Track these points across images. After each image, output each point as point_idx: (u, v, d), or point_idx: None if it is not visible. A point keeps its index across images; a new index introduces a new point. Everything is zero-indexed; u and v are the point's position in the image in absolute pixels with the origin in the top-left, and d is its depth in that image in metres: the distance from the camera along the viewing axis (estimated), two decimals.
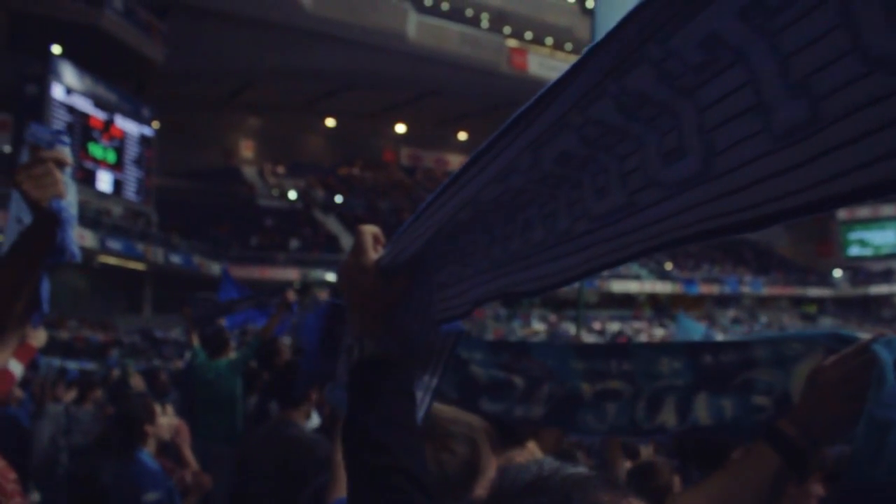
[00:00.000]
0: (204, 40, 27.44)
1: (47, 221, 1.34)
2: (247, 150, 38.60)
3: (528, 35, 35.74)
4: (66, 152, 1.36)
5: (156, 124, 27.35)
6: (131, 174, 25.79)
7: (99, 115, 24.30)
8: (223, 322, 6.98)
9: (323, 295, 6.70)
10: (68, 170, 1.36)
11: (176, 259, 26.06)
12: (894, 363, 1.24)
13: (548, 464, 1.15)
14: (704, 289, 38.38)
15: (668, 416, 1.69)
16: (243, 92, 34.49)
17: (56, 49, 23.33)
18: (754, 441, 1.38)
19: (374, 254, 1.23)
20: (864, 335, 1.39)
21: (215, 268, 26.82)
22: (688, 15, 0.60)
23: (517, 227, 1.01)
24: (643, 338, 33.07)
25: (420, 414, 1.33)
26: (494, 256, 1.08)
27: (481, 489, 1.48)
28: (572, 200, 0.88)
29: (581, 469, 0.77)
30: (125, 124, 25.53)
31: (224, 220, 30.74)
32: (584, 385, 1.75)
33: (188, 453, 4.07)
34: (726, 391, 1.64)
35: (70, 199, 1.34)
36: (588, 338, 27.19)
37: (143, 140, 26.44)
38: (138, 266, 25.64)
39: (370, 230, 1.26)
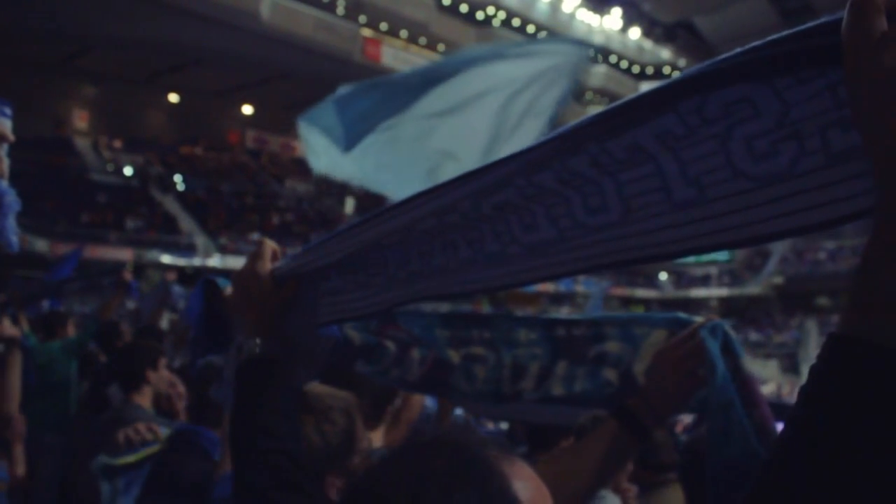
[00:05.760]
0: None
1: None
2: (80, 120, 36.03)
3: (384, 26, 35.66)
4: (7, 126, 1.26)
5: None
6: None
7: None
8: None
9: (171, 275, 6.44)
10: (6, 147, 1.25)
11: None
12: (721, 347, 1.41)
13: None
14: (541, 286, 39.87)
15: (528, 384, 1.80)
16: (80, 57, 32.20)
17: None
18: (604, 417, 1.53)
19: (269, 264, 1.42)
20: (699, 318, 1.55)
21: (40, 244, 25.03)
22: (621, 131, 0.89)
23: (436, 245, 1.18)
24: None
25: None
26: (413, 268, 1.24)
27: (358, 458, 1.67)
28: (498, 231, 1.10)
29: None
30: None
31: (51, 193, 28.64)
32: (451, 351, 1.85)
33: (19, 451, 3.84)
34: (583, 363, 1.76)
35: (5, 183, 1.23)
36: None
37: None
38: None
39: (271, 244, 1.46)
